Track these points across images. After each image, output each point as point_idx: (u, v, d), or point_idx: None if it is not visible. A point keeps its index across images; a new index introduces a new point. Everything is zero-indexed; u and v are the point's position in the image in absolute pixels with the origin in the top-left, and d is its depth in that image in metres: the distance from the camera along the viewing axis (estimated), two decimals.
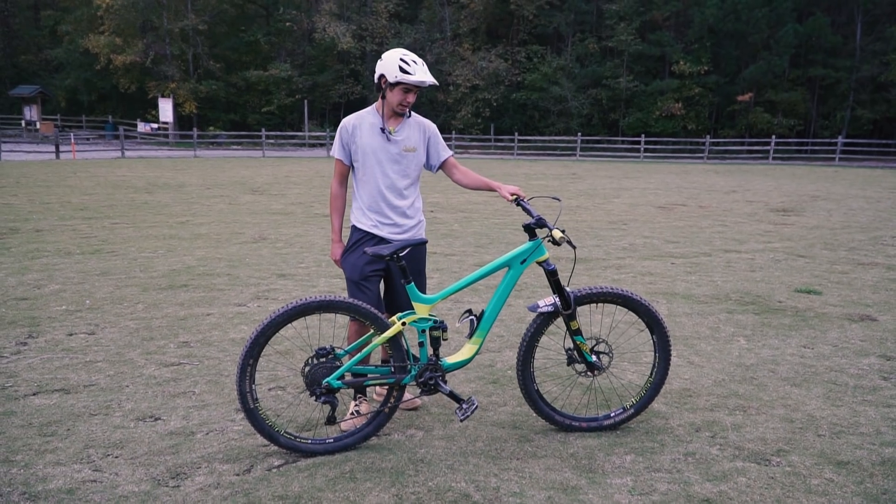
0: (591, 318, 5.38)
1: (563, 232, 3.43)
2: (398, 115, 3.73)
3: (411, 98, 3.64)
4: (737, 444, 3.57)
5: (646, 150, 38.49)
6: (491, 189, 3.81)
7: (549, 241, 3.47)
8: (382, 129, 3.71)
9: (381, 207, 3.76)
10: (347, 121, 3.80)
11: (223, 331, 5.41)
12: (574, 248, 3.43)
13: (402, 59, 3.56)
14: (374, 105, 3.80)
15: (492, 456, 3.44)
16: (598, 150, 40.25)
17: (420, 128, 3.84)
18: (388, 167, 3.75)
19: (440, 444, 3.57)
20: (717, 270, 7.99)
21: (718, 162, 35.87)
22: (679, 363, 4.79)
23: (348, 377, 3.49)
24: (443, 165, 3.92)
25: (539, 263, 3.58)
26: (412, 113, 3.84)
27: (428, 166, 3.92)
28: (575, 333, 3.66)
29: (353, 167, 3.84)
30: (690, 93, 41.85)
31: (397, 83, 3.57)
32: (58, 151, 27.79)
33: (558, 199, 3.69)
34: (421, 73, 3.56)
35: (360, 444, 3.52)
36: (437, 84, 3.72)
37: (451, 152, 3.94)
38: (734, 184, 21.20)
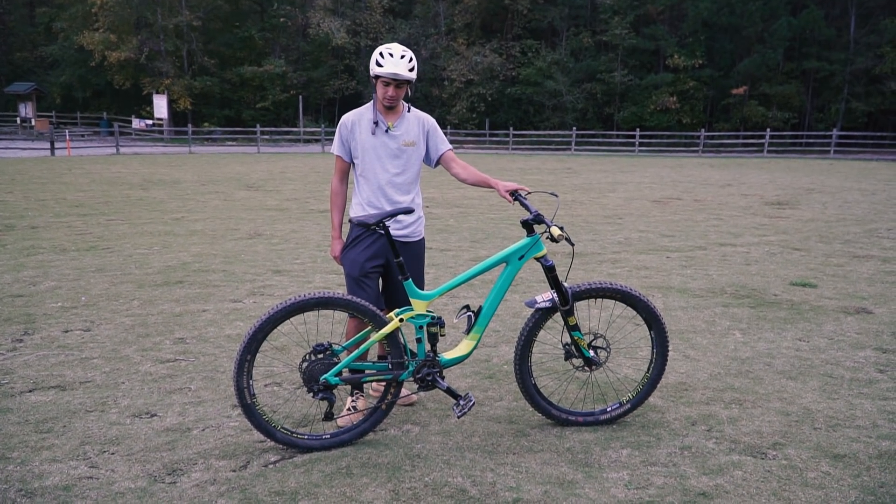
0: (589, 313, 5.37)
1: (561, 229, 3.40)
2: (389, 108, 3.71)
3: (391, 91, 3.59)
4: (733, 438, 3.57)
5: (640, 145, 38.49)
6: (489, 186, 3.76)
7: (546, 237, 3.45)
8: (376, 123, 3.69)
9: (381, 203, 3.74)
10: (347, 117, 3.78)
11: (219, 327, 5.40)
12: (572, 245, 3.41)
13: (379, 53, 3.55)
14: (372, 101, 3.78)
15: (488, 451, 3.44)
16: (593, 144, 40.25)
17: (419, 121, 3.82)
18: (388, 162, 3.73)
19: (437, 440, 3.56)
20: (712, 264, 8.00)
21: (713, 155, 35.90)
22: (675, 357, 4.79)
23: (346, 373, 3.48)
24: (441, 159, 3.89)
25: (537, 259, 3.56)
26: (411, 108, 3.83)
27: (427, 160, 3.90)
28: (573, 329, 3.66)
29: (353, 164, 3.83)
30: (685, 86, 41.87)
31: (375, 77, 3.59)
32: (53, 148, 27.68)
33: (556, 196, 3.67)
34: (391, 66, 3.51)
35: (356, 440, 3.51)
36: (412, 80, 3.62)
37: (449, 146, 3.91)
38: (729, 177, 21.23)
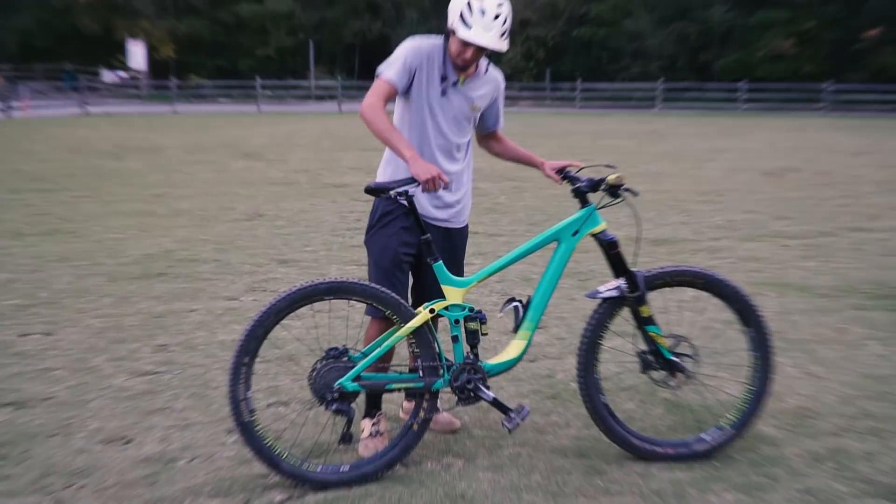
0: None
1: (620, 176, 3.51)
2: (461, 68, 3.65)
3: (468, 55, 3.48)
4: (868, 478, 3.51)
5: (747, 100, 38.00)
6: (532, 164, 3.89)
7: (605, 193, 3.55)
8: (444, 78, 3.61)
9: None
10: (422, 45, 3.62)
11: (210, 331, 5.45)
12: (636, 195, 3.41)
13: (467, 4, 3.38)
14: (442, 42, 3.65)
15: (552, 492, 3.41)
16: (685, 100, 39.89)
17: (493, 84, 3.84)
18: (446, 125, 3.69)
19: (485, 477, 3.54)
20: (842, 255, 7.87)
21: (842, 115, 35.27)
22: (794, 374, 4.72)
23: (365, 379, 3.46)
24: (492, 133, 4.00)
25: (594, 235, 3.58)
26: (490, 65, 3.78)
27: (481, 127, 3.93)
28: (646, 323, 3.63)
29: (399, 99, 3.73)
30: (804, 27, 41.13)
31: (453, 31, 3.48)
32: (7, 108, 28.26)
33: (613, 168, 3.63)
34: (480, 32, 3.36)
35: (383, 473, 3.50)
36: (502, 50, 3.50)
37: (503, 121, 4.02)
38: (863, 143, 20.85)
